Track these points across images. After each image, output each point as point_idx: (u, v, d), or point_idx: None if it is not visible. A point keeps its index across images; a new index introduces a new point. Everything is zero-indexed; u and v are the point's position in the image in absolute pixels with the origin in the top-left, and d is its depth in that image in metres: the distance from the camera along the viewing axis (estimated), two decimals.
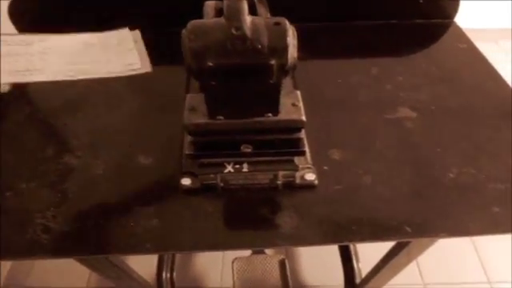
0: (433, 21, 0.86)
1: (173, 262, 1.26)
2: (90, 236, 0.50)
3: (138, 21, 0.79)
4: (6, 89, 0.47)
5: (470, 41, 0.79)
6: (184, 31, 0.40)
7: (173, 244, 0.50)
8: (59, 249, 0.49)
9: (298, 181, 0.55)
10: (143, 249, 0.49)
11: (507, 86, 0.71)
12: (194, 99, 0.50)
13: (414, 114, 0.65)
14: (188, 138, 0.53)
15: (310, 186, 0.55)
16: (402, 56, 0.78)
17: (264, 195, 0.55)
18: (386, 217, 0.52)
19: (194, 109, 0.50)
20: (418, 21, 0.86)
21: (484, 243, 1.41)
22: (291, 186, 0.55)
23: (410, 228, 0.51)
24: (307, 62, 0.59)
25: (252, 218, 0.53)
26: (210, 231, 0.51)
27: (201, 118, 0.49)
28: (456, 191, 0.55)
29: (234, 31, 0.37)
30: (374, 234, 0.51)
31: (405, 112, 0.65)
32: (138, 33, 0.64)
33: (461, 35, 0.81)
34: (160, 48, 0.74)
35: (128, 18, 0.80)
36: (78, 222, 0.51)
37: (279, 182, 0.54)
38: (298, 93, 0.52)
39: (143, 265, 1.16)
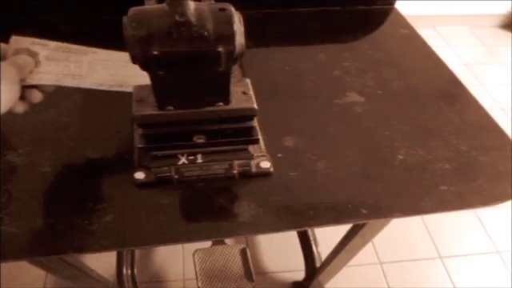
0: (374, 7, 0.88)
1: (132, 258, 1.24)
2: (42, 237, 0.48)
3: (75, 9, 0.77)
4: (51, 89, 0.46)
5: (411, 26, 0.82)
6: (125, 18, 0.38)
7: (130, 240, 0.49)
8: (10, 252, 0.46)
9: (253, 169, 0.55)
10: (99, 247, 0.47)
11: (447, 68, 0.74)
12: (142, 90, 0.49)
13: (362, 99, 0.67)
14: (138, 131, 0.51)
15: (265, 174, 0.55)
16: (347, 42, 0.80)
17: (221, 185, 0.54)
18: (342, 200, 0.54)
19: (143, 100, 0.48)
20: (360, 7, 0.88)
21: (432, 219, 1.49)
22: (247, 175, 0.55)
23: (366, 210, 0.52)
24: (253, 50, 0.59)
25: (210, 208, 0.52)
26: (168, 224, 0.51)
27: (150, 110, 0.47)
28: (406, 172, 0.57)
29: (177, 17, 0.36)
30: (332, 218, 0.52)
31: (353, 97, 0.67)
32: None
33: (402, 21, 0.84)
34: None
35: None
36: (28, 222, 0.49)
37: (235, 172, 0.54)
38: (248, 81, 0.51)
39: (102, 263, 1.14)
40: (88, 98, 0.64)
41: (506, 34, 2.45)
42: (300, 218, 0.52)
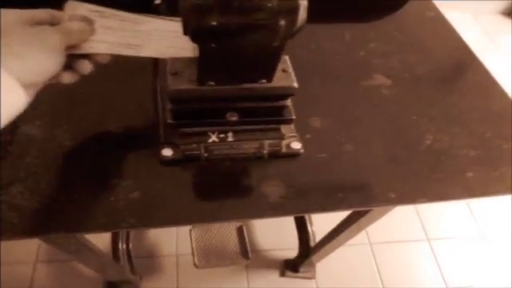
0: None
1: (128, 233, 1.22)
2: (65, 212, 0.46)
3: None
4: (106, 59, 0.42)
5: (437, 9, 0.81)
6: None
7: (157, 218, 0.47)
8: (31, 228, 0.44)
9: (283, 150, 0.53)
10: (128, 224, 0.46)
11: (472, 54, 0.73)
12: (177, 62, 0.46)
13: (388, 82, 0.66)
14: (168, 106, 0.49)
15: (295, 155, 0.54)
16: (372, 22, 0.78)
17: (249, 165, 0.53)
18: (370, 184, 0.53)
19: (178, 73, 0.45)
20: None
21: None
22: (277, 155, 0.53)
23: (394, 194, 0.52)
24: None
25: (237, 188, 0.51)
26: (195, 203, 0.49)
27: (186, 84, 0.45)
28: (433, 158, 0.57)
29: None
30: (361, 201, 0.52)
31: (380, 79, 0.66)
32: None
33: (428, 3, 0.82)
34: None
35: None
36: (49, 197, 0.46)
37: (265, 152, 0.53)
38: (287, 58, 0.49)
39: (97, 237, 1.11)
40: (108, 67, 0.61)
41: (508, 21, 2.46)
42: (329, 200, 0.51)
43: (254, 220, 1.39)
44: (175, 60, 0.46)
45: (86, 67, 0.42)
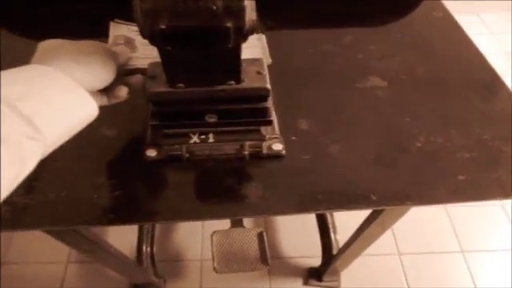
0: None
1: (152, 236, 1.26)
2: (52, 208, 0.49)
3: None
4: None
5: (446, 9, 0.78)
6: None
7: (137, 214, 0.50)
8: (19, 221, 0.48)
9: (264, 151, 0.54)
10: (107, 220, 0.48)
11: (480, 55, 0.70)
12: (157, 66, 0.48)
13: (384, 83, 0.64)
14: (151, 108, 0.51)
15: (277, 156, 0.55)
16: (375, 25, 0.77)
17: (230, 165, 0.54)
18: (352, 186, 0.53)
19: (156, 77, 0.48)
20: None
21: (457, 213, 1.45)
22: (258, 156, 0.54)
23: (376, 196, 0.51)
24: (277, 31, 0.57)
25: (218, 188, 0.52)
26: (176, 202, 0.51)
27: (162, 87, 0.47)
28: (423, 160, 0.55)
29: None
30: (340, 203, 0.51)
31: (375, 81, 0.65)
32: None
33: (436, 4, 0.80)
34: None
35: None
36: (39, 194, 0.50)
37: (246, 153, 0.54)
38: (264, 60, 0.50)
39: (123, 239, 1.17)
40: None
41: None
42: (308, 201, 0.51)
43: (276, 226, 1.39)
44: (155, 64, 0.49)
45: (137, 79, 0.47)
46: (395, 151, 0.56)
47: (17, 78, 0.35)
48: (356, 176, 0.54)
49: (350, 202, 0.51)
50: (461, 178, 0.53)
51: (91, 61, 0.41)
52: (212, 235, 1.22)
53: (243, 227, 1.23)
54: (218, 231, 1.21)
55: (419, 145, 0.57)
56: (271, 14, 0.39)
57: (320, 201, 0.51)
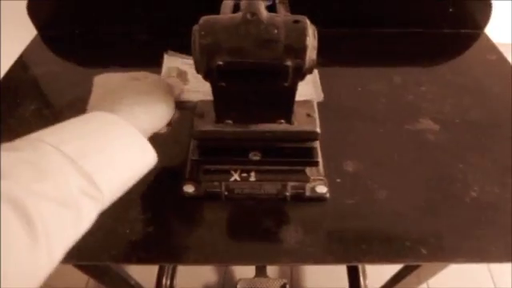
0: (461, 31, 0.81)
1: (174, 270, 1.22)
2: (81, 241, 0.46)
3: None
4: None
5: (501, 52, 0.75)
6: (195, 27, 0.37)
7: (168, 255, 0.47)
8: None
9: (308, 193, 0.51)
10: (135, 258, 0.45)
11: None
12: (205, 105, 0.47)
13: (436, 127, 0.61)
14: (194, 143, 0.49)
15: (320, 199, 0.51)
16: (426, 65, 0.74)
17: (270, 206, 0.51)
18: (400, 236, 0.48)
19: (203, 115, 0.46)
20: (445, 30, 0.81)
21: (500, 270, 1.35)
22: (300, 198, 0.51)
23: (426, 250, 0.47)
24: (326, 69, 0.55)
25: (256, 230, 0.49)
26: (210, 243, 0.48)
27: (209, 125, 0.46)
28: (478, 211, 0.51)
29: (248, 16, 0.33)
30: (385, 255, 0.47)
31: (427, 124, 0.61)
32: None
33: (490, 46, 0.77)
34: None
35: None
36: None
37: (287, 194, 0.51)
38: (315, 103, 0.48)
39: (144, 271, 1.13)
40: None
41: None
42: (350, 251, 0.47)
43: (303, 274, 1.33)
44: (204, 102, 0.48)
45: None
46: (447, 200, 0.52)
47: (81, 132, 0.35)
48: (404, 225, 0.50)
49: (397, 255, 0.47)
50: None
51: (153, 100, 0.41)
52: (237, 284, 1.18)
53: (267, 277, 1.18)
54: (244, 280, 1.17)
55: (474, 194, 0.52)
56: (321, 50, 0.37)
57: (364, 251, 0.47)
